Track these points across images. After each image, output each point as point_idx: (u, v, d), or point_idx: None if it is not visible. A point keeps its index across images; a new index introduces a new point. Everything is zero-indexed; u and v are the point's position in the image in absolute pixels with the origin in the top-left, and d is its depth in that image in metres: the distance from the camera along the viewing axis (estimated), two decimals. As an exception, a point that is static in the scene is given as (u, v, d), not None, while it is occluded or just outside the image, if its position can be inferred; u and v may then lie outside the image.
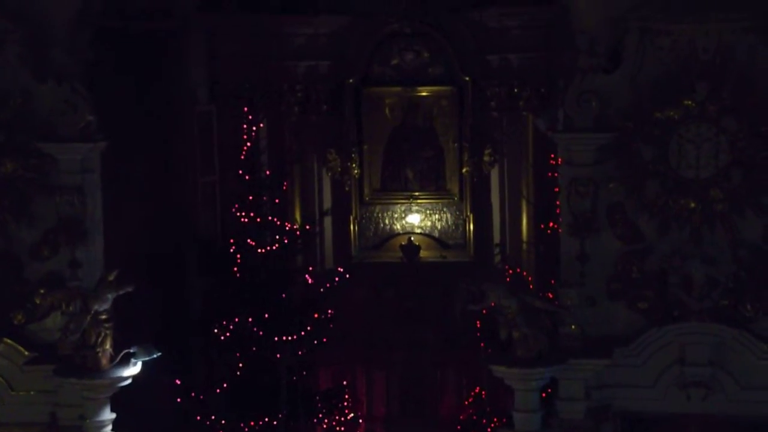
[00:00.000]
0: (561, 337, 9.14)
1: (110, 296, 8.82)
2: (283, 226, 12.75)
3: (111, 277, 8.88)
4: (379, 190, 14.30)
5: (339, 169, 14.07)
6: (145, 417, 9.53)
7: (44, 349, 9.07)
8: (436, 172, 14.20)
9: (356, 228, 14.21)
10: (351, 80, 13.97)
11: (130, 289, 8.89)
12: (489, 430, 12.60)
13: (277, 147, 13.82)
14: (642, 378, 9.12)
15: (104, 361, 8.79)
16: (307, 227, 13.24)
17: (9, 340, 9.03)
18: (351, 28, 13.74)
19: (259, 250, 12.49)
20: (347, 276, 12.98)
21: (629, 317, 9.29)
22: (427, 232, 14.21)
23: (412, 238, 13.99)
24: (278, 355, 12.27)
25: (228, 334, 12.18)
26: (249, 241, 12.48)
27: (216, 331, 12.21)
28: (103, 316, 8.80)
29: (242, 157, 12.65)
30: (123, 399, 8.98)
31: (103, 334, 8.79)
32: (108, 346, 8.81)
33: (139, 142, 11.71)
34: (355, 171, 14.08)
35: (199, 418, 12.10)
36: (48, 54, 9.25)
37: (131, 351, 8.83)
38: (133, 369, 8.84)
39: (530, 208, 13.63)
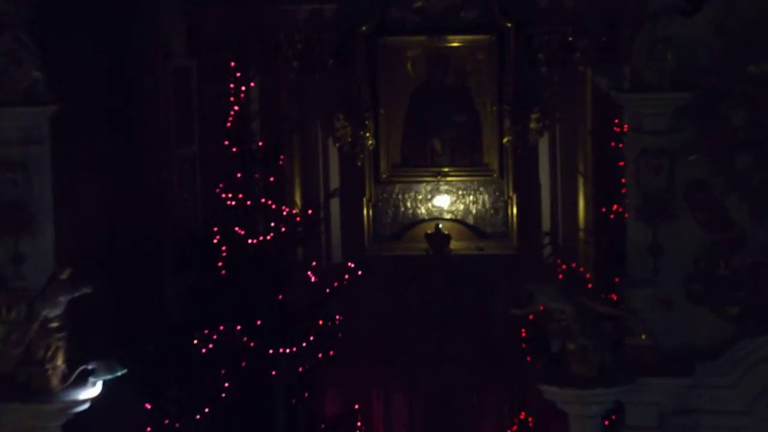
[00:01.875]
0: (628, 350, 9.06)
1: (63, 299, 8.76)
2: (279, 210, 12.74)
3: (64, 276, 8.83)
4: (399, 166, 14.28)
5: (349, 140, 14.07)
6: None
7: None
8: (471, 142, 14.17)
9: (371, 213, 14.20)
10: (363, 27, 13.93)
11: (88, 291, 8.84)
12: (537, 465, 12.56)
13: (272, 112, 13.80)
14: (733, 402, 9.04)
15: (55, 381, 8.75)
16: (310, 212, 13.21)
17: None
18: (363, -39, 13.75)
19: (250, 241, 12.47)
20: (359, 273, 12.95)
21: (715, 325, 9.21)
22: (459, 217, 14.18)
23: (441, 226, 13.97)
24: (274, 372, 12.25)
25: (211, 345, 12.18)
26: (237, 229, 12.45)
27: (196, 342, 12.20)
28: (54, 325, 8.75)
29: (228, 124, 12.61)
30: (80, 428, 8.93)
31: (54, 347, 8.74)
32: (60, 362, 8.77)
33: (99, 107, 11.68)
34: (370, 142, 14.06)
35: (175, 450, 12.11)
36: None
37: (89, 368, 8.79)
38: (92, 390, 8.79)
39: (588, 187, 13.58)
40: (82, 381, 8.77)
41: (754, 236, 9.19)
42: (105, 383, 8.80)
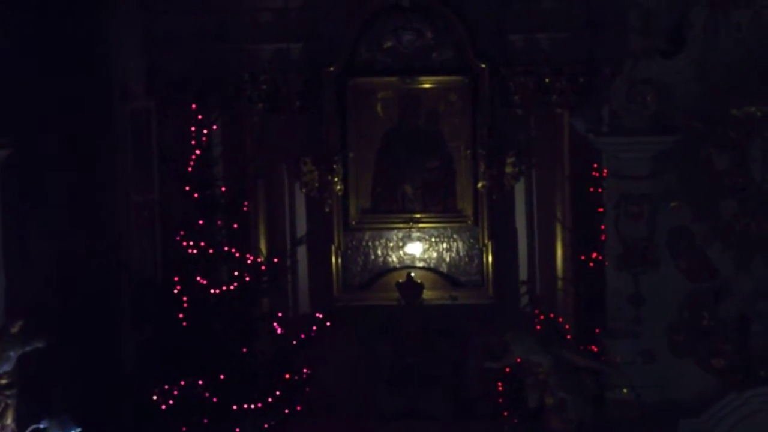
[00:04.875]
0: (609, 405, 9.04)
1: (13, 354, 8.71)
2: (243, 258, 12.69)
3: (15, 329, 8.77)
4: (369, 211, 14.27)
5: (317, 185, 14.05)
6: None
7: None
8: (444, 187, 14.18)
9: (340, 261, 14.16)
10: (332, 68, 13.96)
11: (40, 345, 8.79)
12: None
13: (236, 156, 13.78)
14: (717, 459, 9.01)
15: (5, 441, 8.65)
16: (276, 260, 13.16)
17: None
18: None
19: (213, 291, 12.41)
20: (328, 324, 12.90)
21: (700, 378, 9.22)
22: (431, 265, 14.17)
23: (413, 274, 13.95)
24: (237, 430, 12.16)
25: (172, 401, 12.06)
26: (199, 278, 12.39)
27: (155, 398, 12.09)
28: (4, 381, 8.69)
29: (189, 169, 12.58)
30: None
31: (3, 404, 8.68)
32: (10, 419, 8.71)
33: (53, 150, 11.62)
34: (338, 187, 14.05)
35: None
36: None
37: (41, 426, 8.72)
38: (44, 450, 8.70)
39: (567, 234, 13.59)
40: (33, 441, 8.67)
41: (738, 285, 9.22)
42: (57, 443, 8.71)
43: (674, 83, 9.23)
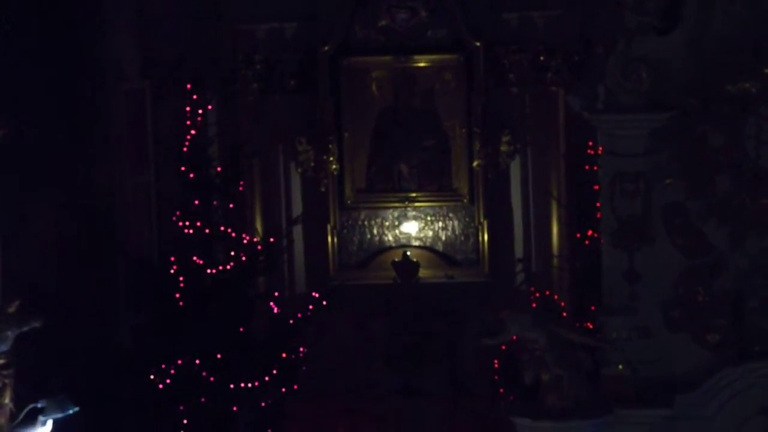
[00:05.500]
0: (605, 381, 9.04)
1: (10, 334, 8.65)
2: (239, 239, 12.69)
3: (11, 309, 8.72)
4: (364, 191, 14.28)
5: (312, 164, 14.06)
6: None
7: None
8: (439, 166, 14.19)
9: (335, 240, 14.17)
10: (326, 47, 13.94)
11: (37, 325, 8.74)
12: (512, 502, 12.50)
13: (231, 136, 13.76)
14: (713, 434, 9.02)
15: (2, 420, 8.62)
16: (272, 240, 13.16)
17: None
18: (325, -21, 13.78)
19: (209, 271, 12.40)
20: (324, 303, 12.90)
21: (695, 353, 9.21)
22: (427, 244, 14.18)
23: (409, 253, 13.95)
24: (235, 408, 12.16)
25: (169, 381, 12.08)
26: (195, 259, 12.38)
27: (153, 377, 12.09)
28: (2, 361, 8.63)
29: (185, 149, 12.56)
30: (29, 470, 8.82)
31: (0, 383, 8.63)
32: (7, 399, 8.65)
33: (48, 132, 11.59)
34: (333, 166, 14.05)
35: (131, 492, 12.00)
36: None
37: (39, 406, 8.68)
38: (42, 430, 8.68)
39: (562, 212, 13.60)
40: (31, 420, 8.66)
41: (733, 261, 9.22)
42: (56, 422, 8.70)
43: (669, 60, 9.19)
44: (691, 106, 9.17)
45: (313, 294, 13.09)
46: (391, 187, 14.26)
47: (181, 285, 12.38)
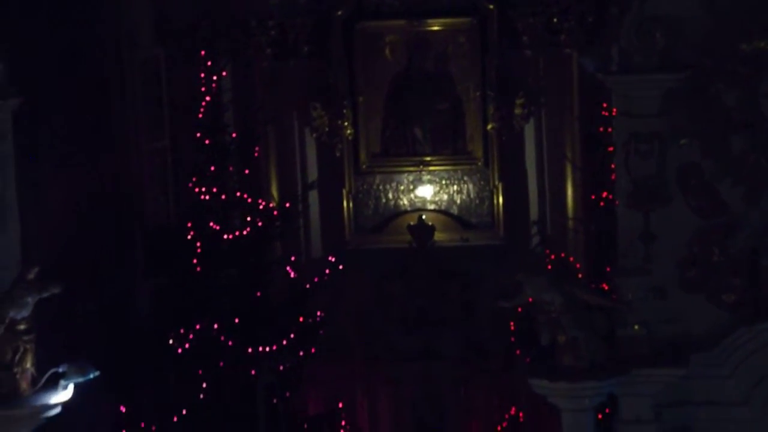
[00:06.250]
0: (621, 341, 9.04)
1: (30, 300, 8.70)
2: (255, 204, 12.70)
3: (31, 275, 8.77)
4: (379, 155, 14.25)
5: (327, 129, 14.02)
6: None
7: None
8: (454, 130, 14.15)
9: (351, 205, 14.16)
10: (340, 12, 13.88)
11: (56, 291, 8.78)
12: (529, 462, 12.57)
13: (246, 102, 13.74)
14: (729, 393, 9.05)
15: (24, 385, 8.69)
16: (287, 205, 13.17)
17: None
18: (338, -58, 13.71)
19: (226, 237, 12.42)
20: (340, 267, 12.92)
21: (710, 313, 9.21)
22: (442, 208, 14.17)
23: (424, 217, 13.94)
24: (253, 372, 12.20)
25: (187, 345, 12.12)
26: (212, 224, 12.40)
27: (171, 342, 12.14)
28: (22, 327, 8.69)
29: (200, 115, 12.55)
30: (51, 433, 8.89)
31: (22, 349, 8.68)
32: (29, 364, 8.72)
33: (64, 100, 11.60)
34: (348, 131, 14.02)
35: (151, 455, 12.06)
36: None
37: (60, 370, 8.74)
38: (64, 394, 8.73)
39: (577, 174, 13.56)
40: (52, 384, 8.71)
41: (748, 221, 9.19)
42: (77, 386, 8.76)
43: (683, 19, 9.14)
44: (705, 65, 9.12)
45: (330, 258, 13.12)
46: (405, 151, 14.23)
47: (198, 250, 12.40)
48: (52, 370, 8.73)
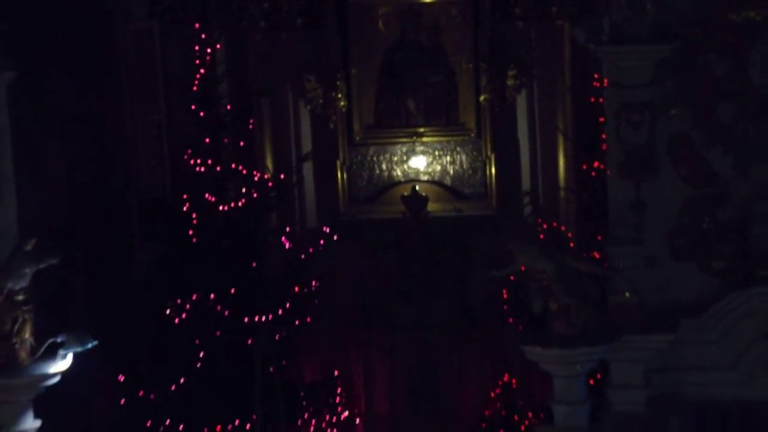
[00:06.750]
0: (612, 309, 9.09)
1: (28, 271, 8.70)
2: (250, 175, 12.70)
3: (28, 247, 8.76)
4: (372, 127, 14.25)
5: (321, 101, 14.02)
6: (79, 424, 9.51)
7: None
8: (446, 101, 14.15)
9: (345, 176, 14.18)
10: (333, -16, 13.82)
11: (54, 262, 8.78)
12: (522, 428, 12.62)
13: (240, 74, 13.72)
14: (718, 358, 9.09)
15: (23, 355, 8.69)
16: (282, 177, 13.18)
17: None
18: None
19: (221, 208, 12.43)
20: (335, 237, 12.94)
21: (700, 280, 9.24)
22: (436, 178, 14.19)
23: (417, 188, 13.96)
24: (250, 341, 12.25)
25: (184, 315, 12.16)
26: (207, 196, 12.41)
27: (168, 312, 12.18)
28: (20, 297, 8.68)
29: (194, 88, 12.54)
30: (50, 402, 8.93)
31: (20, 319, 8.68)
32: (28, 334, 8.72)
33: (59, 72, 11.57)
34: (342, 103, 14.01)
35: (149, 423, 12.09)
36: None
37: (58, 340, 8.75)
38: (62, 363, 8.73)
39: (568, 144, 13.58)
40: (51, 354, 8.73)
41: (737, 189, 9.22)
42: (75, 356, 8.79)
43: (673, -10, 9.15)
44: (695, 35, 9.12)
45: (324, 229, 13.14)
46: (398, 123, 14.23)
47: (194, 222, 12.42)
48: (51, 340, 8.74)
